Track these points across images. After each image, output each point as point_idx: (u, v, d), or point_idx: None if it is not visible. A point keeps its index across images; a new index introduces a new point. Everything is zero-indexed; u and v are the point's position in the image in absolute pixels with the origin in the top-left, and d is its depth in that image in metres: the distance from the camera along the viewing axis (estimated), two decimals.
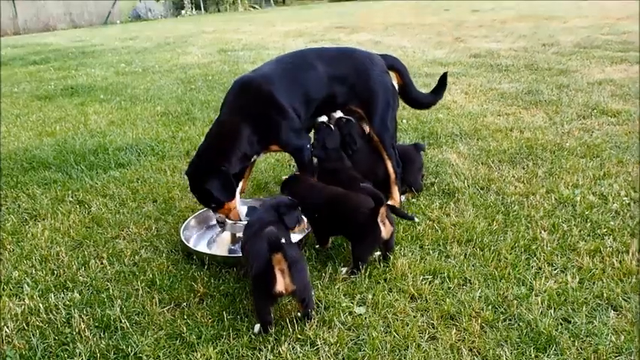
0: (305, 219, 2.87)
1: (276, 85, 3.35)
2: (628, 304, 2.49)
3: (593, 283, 2.67)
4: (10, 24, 21.11)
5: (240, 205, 3.34)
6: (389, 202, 3.40)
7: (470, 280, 2.75)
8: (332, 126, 3.57)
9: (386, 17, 16.83)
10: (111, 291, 2.83)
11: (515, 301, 2.54)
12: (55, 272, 3.05)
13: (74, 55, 12.29)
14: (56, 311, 2.68)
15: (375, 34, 12.96)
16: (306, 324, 2.46)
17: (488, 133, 5.00)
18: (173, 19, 23.74)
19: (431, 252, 3.02)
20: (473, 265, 2.88)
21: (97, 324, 2.57)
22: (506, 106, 5.94)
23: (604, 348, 2.23)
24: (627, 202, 3.47)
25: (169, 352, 2.37)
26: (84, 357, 2.36)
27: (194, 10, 25.21)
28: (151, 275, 2.95)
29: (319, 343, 2.35)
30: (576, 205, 3.47)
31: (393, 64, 3.78)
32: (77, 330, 2.52)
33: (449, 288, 2.70)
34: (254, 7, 25.98)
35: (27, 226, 3.64)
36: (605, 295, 2.56)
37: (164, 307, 2.68)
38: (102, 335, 2.49)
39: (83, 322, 2.57)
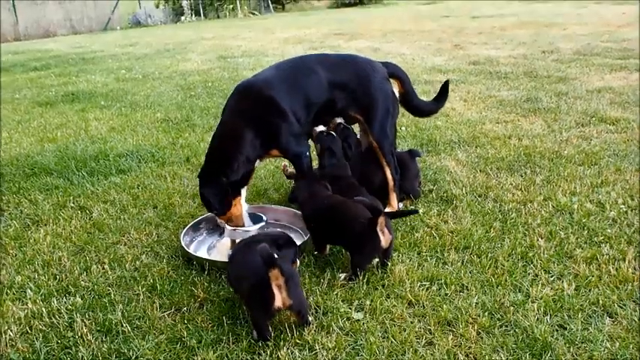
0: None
1: (276, 89, 3.39)
2: (624, 311, 2.52)
3: (590, 290, 2.69)
4: (11, 30, 21.15)
5: (245, 212, 3.37)
6: (387, 210, 3.44)
7: (467, 287, 2.78)
8: (333, 133, 3.60)
9: (385, 24, 16.85)
10: (112, 296, 2.86)
11: (512, 308, 2.57)
12: (58, 277, 3.08)
13: (74, 62, 12.31)
14: (59, 315, 2.70)
15: (374, 40, 12.99)
16: (305, 329, 2.49)
17: (486, 140, 5.03)
18: (173, 25, 23.74)
19: (428, 258, 3.05)
20: (470, 272, 2.90)
21: (98, 328, 2.60)
22: (504, 113, 5.96)
23: (599, 354, 2.25)
24: (624, 209, 3.50)
25: (170, 356, 2.40)
26: None
27: (193, 16, 25.20)
28: (151, 280, 2.98)
29: (317, 347, 2.38)
30: (574, 212, 3.49)
31: (394, 71, 3.81)
32: (79, 334, 2.55)
33: (446, 294, 2.72)
34: (253, 14, 25.99)
35: (29, 232, 3.67)
36: (601, 302, 2.59)
37: (165, 311, 2.71)
38: (104, 339, 2.52)
39: (85, 326, 2.60)
